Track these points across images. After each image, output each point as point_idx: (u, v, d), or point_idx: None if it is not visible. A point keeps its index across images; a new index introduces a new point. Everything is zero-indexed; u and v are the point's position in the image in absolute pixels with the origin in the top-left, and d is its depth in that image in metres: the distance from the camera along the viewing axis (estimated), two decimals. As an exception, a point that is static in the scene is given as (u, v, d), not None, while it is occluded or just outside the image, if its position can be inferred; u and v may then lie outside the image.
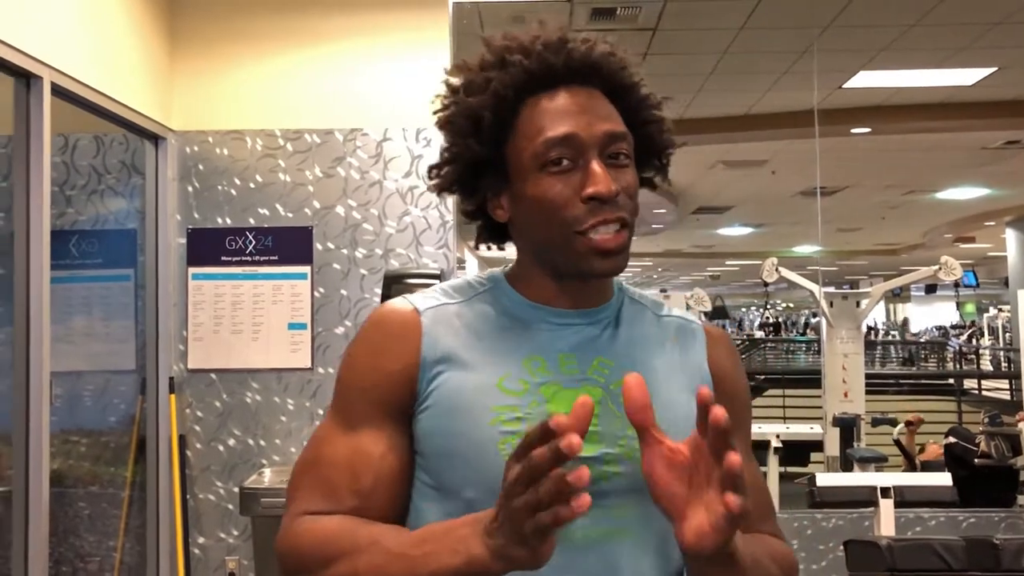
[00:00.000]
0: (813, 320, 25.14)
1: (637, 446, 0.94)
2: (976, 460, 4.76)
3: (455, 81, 1.05)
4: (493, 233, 1.10)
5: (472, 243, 1.19)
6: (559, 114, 0.99)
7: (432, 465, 1.00)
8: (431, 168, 1.08)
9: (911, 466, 5.68)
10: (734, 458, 0.79)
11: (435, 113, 1.06)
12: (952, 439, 5.09)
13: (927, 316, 30.57)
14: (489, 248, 1.15)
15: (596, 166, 0.98)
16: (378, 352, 1.03)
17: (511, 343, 1.02)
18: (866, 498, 2.71)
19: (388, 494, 1.00)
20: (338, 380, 1.06)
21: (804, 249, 18.31)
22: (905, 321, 27.44)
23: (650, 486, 0.87)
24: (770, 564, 1.00)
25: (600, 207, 0.97)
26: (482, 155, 1.03)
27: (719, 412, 0.80)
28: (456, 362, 1.00)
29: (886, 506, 2.63)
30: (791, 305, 35.32)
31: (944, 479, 2.75)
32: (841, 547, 2.80)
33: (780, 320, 27.73)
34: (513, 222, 1.05)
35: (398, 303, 1.06)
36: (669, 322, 1.10)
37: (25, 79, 2.48)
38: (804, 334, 23.48)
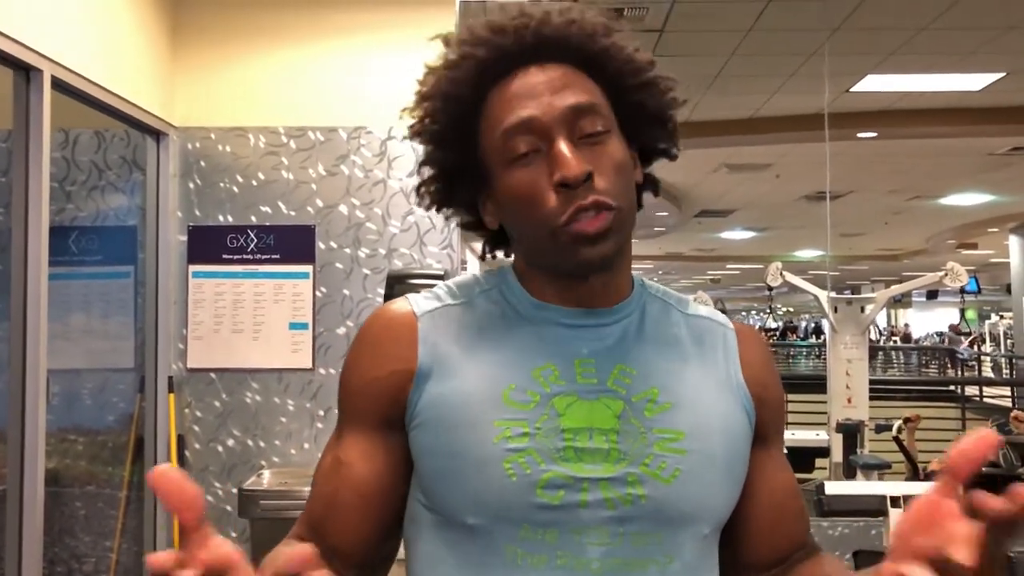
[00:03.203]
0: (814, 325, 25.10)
1: (665, 465, 0.86)
2: (984, 469, 4.69)
3: (421, 86, 0.94)
4: (497, 242, 1.00)
5: (476, 243, 1.10)
6: (515, 99, 0.89)
7: (429, 487, 0.89)
8: (418, 188, 0.99)
9: (912, 467, 5.63)
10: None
11: (409, 127, 0.97)
12: (959, 447, 5.03)
13: (928, 322, 30.55)
14: (494, 256, 1.05)
15: (560, 148, 0.86)
16: (367, 357, 0.94)
17: (519, 348, 0.90)
18: (875, 507, 2.67)
19: (351, 503, 0.91)
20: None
21: (806, 253, 18.31)
22: (907, 327, 27.41)
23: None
24: None
25: (572, 194, 0.85)
26: (456, 162, 0.94)
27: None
28: (455, 371, 0.89)
29: (896, 516, 2.58)
30: (791, 309, 35.32)
31: (955, 489, 2.70)
32: (848, 556, 2.76)
33: (792, 324, 27.50)
34: (505, 227, 0.95)
35: (396, 304, 0.96)
36: (697, 323, 0.98)
37: (25, 72, 2.44)
38: (806, 339, 23.46)
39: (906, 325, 28.17)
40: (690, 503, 0.87)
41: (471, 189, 0.95)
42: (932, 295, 22.96)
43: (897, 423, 5.93)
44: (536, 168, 0.87)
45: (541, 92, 0.88)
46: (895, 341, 23.54)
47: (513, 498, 0.84)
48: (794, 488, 1.01)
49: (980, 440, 0.66)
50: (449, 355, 0.90)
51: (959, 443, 0.66)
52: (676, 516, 0.86)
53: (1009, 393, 11.86)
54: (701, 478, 0.87)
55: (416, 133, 0.96)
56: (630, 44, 0.93)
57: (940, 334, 26.05)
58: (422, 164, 0.97)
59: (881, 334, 23.95)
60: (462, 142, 0.93)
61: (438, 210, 0.99)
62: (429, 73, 0.94)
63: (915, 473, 5.56)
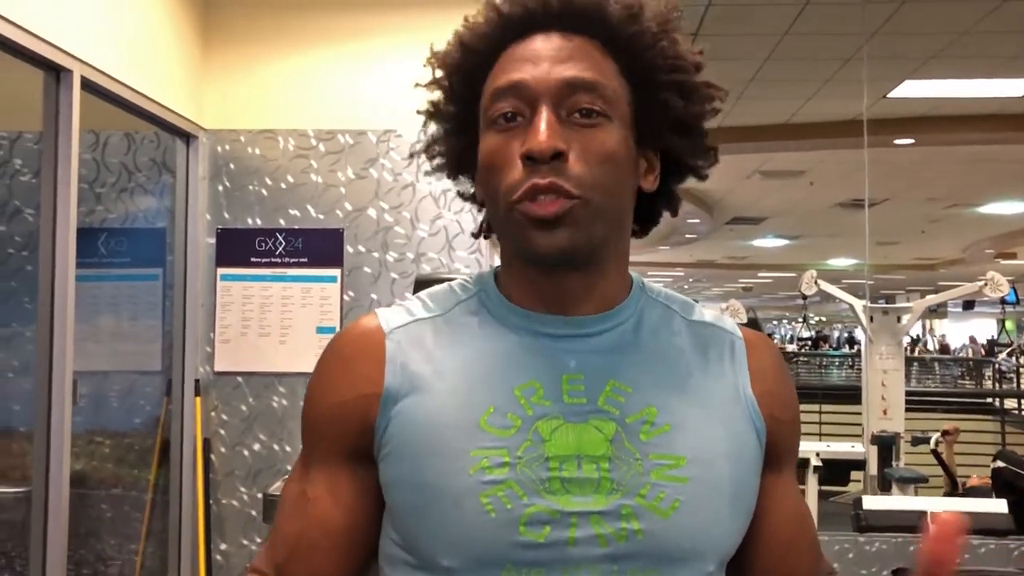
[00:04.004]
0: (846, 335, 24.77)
1: (663, 495, 0.77)
2: (1021, 484, 4.58)
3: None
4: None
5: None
6: (517, 61, 0.81)
7: (401, 524, 0.80)
8: (426, 146, 0.93)
9: (951, 481, 5.50)
10: None
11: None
12: (1000, 463, 4.91)
13: (963, 333, 30.07)
14: (487, 237, 0.95)
15: (540, 119, 0.78)
16: (333, 379, 0.86)
17: (499, 364, 0.81)
18: (914, 523, 2.58)
19: (318, 544, 0.84)
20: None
21: (839, 262, 18.07)
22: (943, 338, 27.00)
23: None
24: None
25: (535, 169, 0.77)
26: (460, 118, 0.88)
27: None
28: (426, 394, 0.80)
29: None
30: (823, 319, 34.93)
31: (999, 505, 2.61)
32: (884, 573, 2.67)
33: (823, 334, 27.21)
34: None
35: (365, 319, 0.88)
36: (702, 330, 0.88)
37: (55, 73, 2.43)
38: (838, 349, 23.16)
39: (942, 336, 27.75)
40: (692, 538, 0.78)
41: (469, 151, 0.87)
42: (968, 306, 22.58)
43: (935, 436, 5.81)
44: (513, 135, 0.80)
45: (542, 58, 0.81)
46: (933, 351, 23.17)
47: (493, 537, 0.76)
48: (806, 517, 0.92)
49: (945, 531, 0.59)
50: (420, 375, 0.82)
51: (927, 539, 0.59)
52: (676, 552, 0.78)
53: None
54: (704, 509, 0.79)
55: (429, 82, 0.91)
56: (679, 39, 0.85)
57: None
58: (429, 115, 0.92)
59: (932, 346, 23.50)
60: (468, 98, 0.87)
61: (443, 173, 0.94)
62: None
63: (954, 488, 5.43)
